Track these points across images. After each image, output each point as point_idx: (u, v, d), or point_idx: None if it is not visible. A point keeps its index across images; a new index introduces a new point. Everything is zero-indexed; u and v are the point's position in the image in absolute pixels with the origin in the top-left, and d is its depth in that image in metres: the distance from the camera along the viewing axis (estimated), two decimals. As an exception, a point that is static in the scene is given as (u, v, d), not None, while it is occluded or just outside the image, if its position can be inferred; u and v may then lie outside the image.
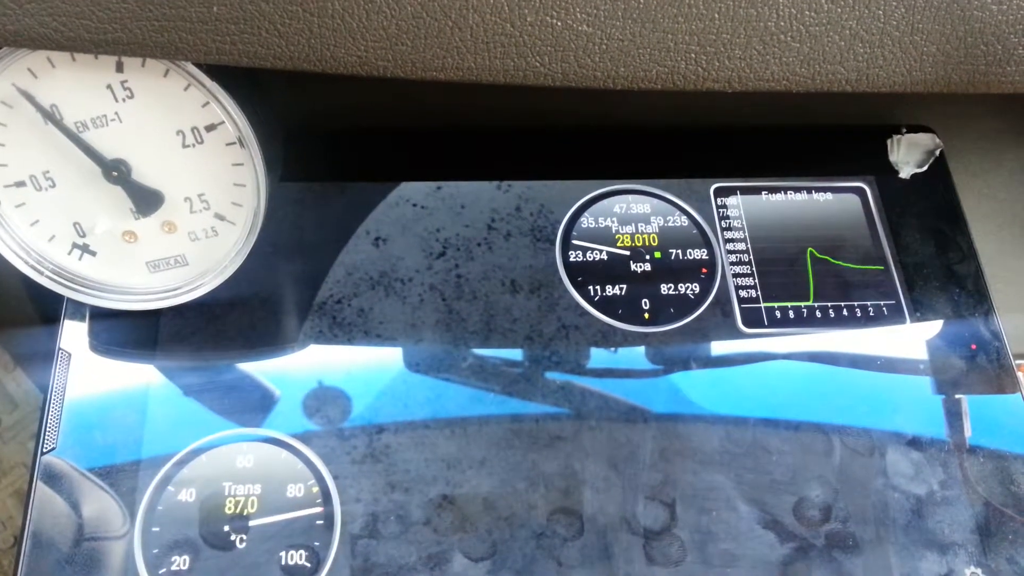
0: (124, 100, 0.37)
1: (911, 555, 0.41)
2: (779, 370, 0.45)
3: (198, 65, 0.36)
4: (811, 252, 0.48)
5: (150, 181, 0.40)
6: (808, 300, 0.47)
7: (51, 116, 0.38)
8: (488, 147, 0.51)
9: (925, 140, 0.50)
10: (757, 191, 0.49)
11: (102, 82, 0.37)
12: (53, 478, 0.41)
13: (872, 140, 0.50)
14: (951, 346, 0.46)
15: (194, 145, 0.39)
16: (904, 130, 0.50)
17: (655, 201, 0.49)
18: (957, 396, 0.44)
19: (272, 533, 0.40)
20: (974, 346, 0.46)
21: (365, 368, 0.44)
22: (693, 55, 0.33)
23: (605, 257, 0.47)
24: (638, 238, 0.48)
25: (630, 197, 0.49)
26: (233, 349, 0.44)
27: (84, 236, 0.41)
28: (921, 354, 0.46)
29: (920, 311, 0.47)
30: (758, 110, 0.48)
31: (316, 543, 0.40)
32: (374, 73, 0.34)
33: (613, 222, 0.48)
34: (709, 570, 0.40)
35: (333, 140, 0.50)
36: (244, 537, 0.40)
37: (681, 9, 0.32)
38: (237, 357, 0.44)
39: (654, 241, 0.48)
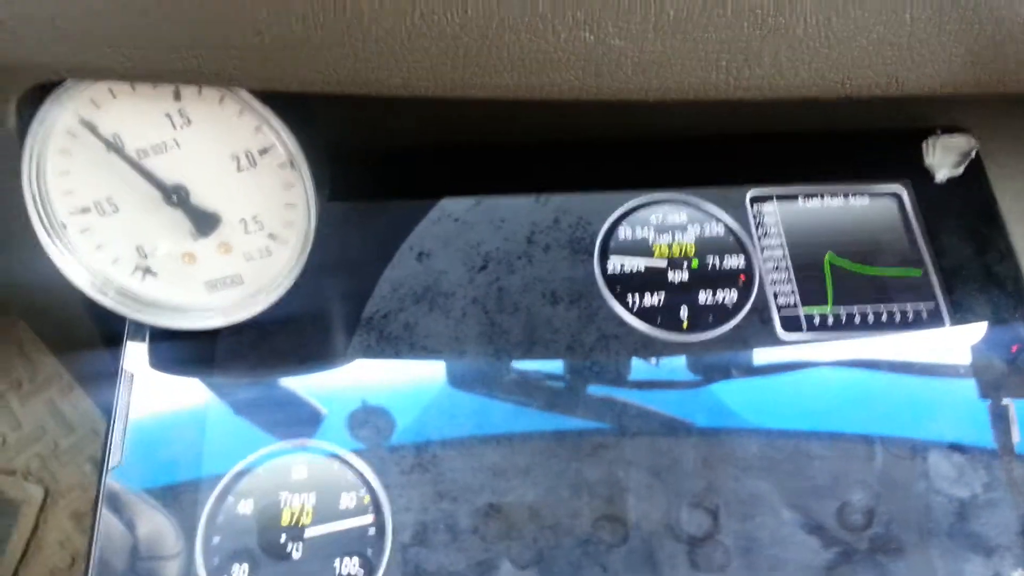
0: (182, 127, 0.40)
1: (956, 558, 0.41)
2: (819, 375, 0.45)
3: (251, 91, 0.38)
4: (830, 257, 0.48)
5: (207, 204, 0.42)
6: (827, 305, 0.47)
7: (113, 145, 0.40)
8: (525, 161, 0.52)
9: (960, 142, 0.49)
10: (793, 197, 0.50)
11: (161, 110, 0.39)
12: (119, 493, 0.42)
13: (907, 143, 0.50)
14: (992, 348, 0.46)
15: (248, 168, 0.41)
16: (939, 132, 0.50)
17: (691, 210, 0.50)
18: (998, 398, 0.44)
19: (326, 542, 0.42)
20: (1015, 348, 0.45)
21: (412, 380, 0.46)
22: (724, 65, 0.34)
23: (643, 267, 0.48)
24: (675, 247, 0.49)
25: (666, 207, 0.50)
26: (286, 365, 0.46)
27: (146, 258, 0.43)
28: (962, 357, 0.46)
29: (960, 314, 0.47)
30: (792, 116, 0.48)
31: (369, 551, 0.41)
32: (416, 93, 0.36)
33: (650, 232, 0.49)
34: (754, 575, 0.40)
35: (375, 159, 0.52)
36: (300, 546, 0.41)
37: (711, 20, 0.33)
38: (290, 373, 0.46)
39: (691, 250, 0.49)
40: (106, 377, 0.48)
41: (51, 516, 1.08)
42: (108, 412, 0.45)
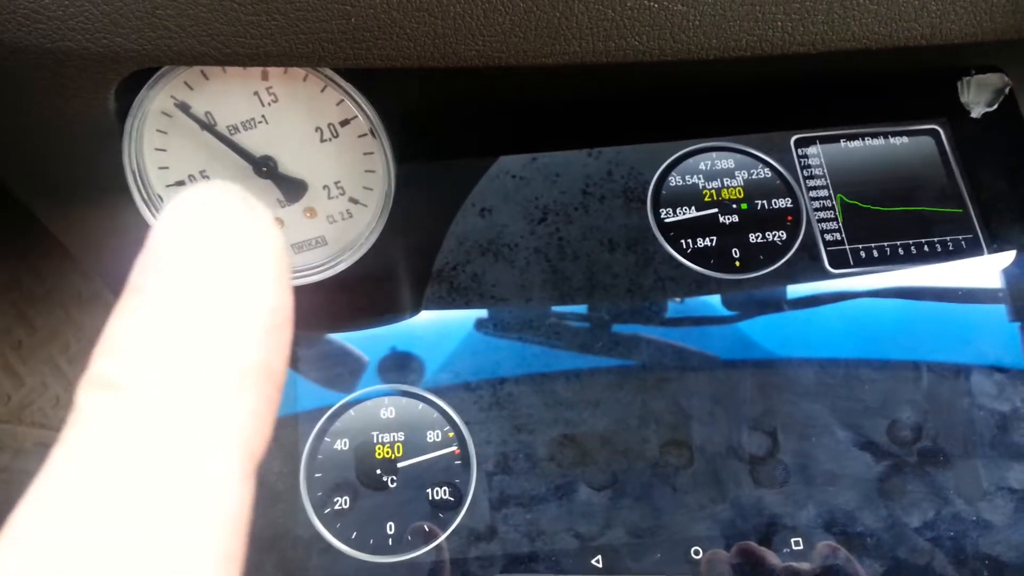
0: (269, 104, 0.43)
1: (998, 466, 0.44)
2: (867, 305, 0.49)
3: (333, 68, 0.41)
4: (840, 199, 0.51)
5: (293, 173, 0.45)
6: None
7: (206, 124, 0.43)
8: (576, 118, 0.55)
9: (994, 80, 0.51)
10: (835, 139, 0.52)
11: (250, 89, 0.42)
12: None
13: (942, 82, 0.52)
14: (1028, 274, 0.49)
15: (331, 139, 0.44)
16: (973, 71, 0.52)
17: (738, 156, 0.52)
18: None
19: (418, 473, 0.46)
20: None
21: (483, 326, 0.49)
22: (780, 23, 0.37)
23: (695, 212, 0.51)
24: (724, 192, 0.51)
25: (714, 154, 0.52)
26: (367, 317, 0.50)
27: (238, 225, 0.47)
28: (999, 283, 0.49)
29: (997, 243, 0.49)
30: (832, 61, 0.50)
31: (457, 480, 0.46)
32: (490, 63, 0.39)
33: (699, 178, 0.52)
34: (812, 489, 0.44)
35: (437, 123, 0.55)
36: (394, 478, 0.46)
37: (766, -17, 0.36)
38: (371, 324, 0.50)
39: (740, 194, 0.51)
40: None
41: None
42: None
